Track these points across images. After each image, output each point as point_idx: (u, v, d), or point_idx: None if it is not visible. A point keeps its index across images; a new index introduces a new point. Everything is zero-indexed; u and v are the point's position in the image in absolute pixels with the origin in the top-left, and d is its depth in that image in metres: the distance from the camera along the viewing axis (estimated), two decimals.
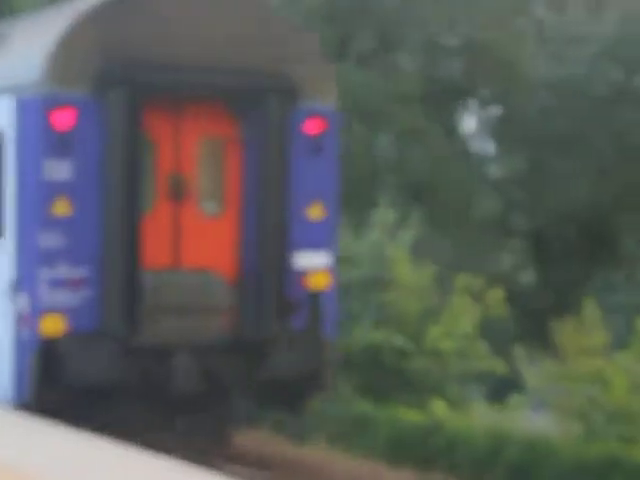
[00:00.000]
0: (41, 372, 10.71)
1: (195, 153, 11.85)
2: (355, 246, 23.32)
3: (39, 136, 10.99)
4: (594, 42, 34.55)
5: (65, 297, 10.98)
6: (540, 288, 36.41)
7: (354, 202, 28.55)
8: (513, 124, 36.46)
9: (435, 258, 24.90)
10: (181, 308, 11.39)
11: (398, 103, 31.84)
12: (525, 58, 34.15)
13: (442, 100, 34.94)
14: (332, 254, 12.36)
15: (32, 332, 10.85)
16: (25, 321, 10.97)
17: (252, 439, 14.50)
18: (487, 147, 40.01)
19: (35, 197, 11.00)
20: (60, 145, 10.95)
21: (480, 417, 20.67)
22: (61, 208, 11.01)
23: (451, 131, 36.69)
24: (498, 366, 22.36)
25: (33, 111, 11.06)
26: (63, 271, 10.99)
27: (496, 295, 23.66)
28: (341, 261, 22.84)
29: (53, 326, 10.88)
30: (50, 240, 10.94)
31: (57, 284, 10.94)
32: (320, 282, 12.17)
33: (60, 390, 10.86)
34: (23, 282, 11.02)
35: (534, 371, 20.84)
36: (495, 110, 38.99)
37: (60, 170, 10.96)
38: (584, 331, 19.59)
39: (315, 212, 12.19)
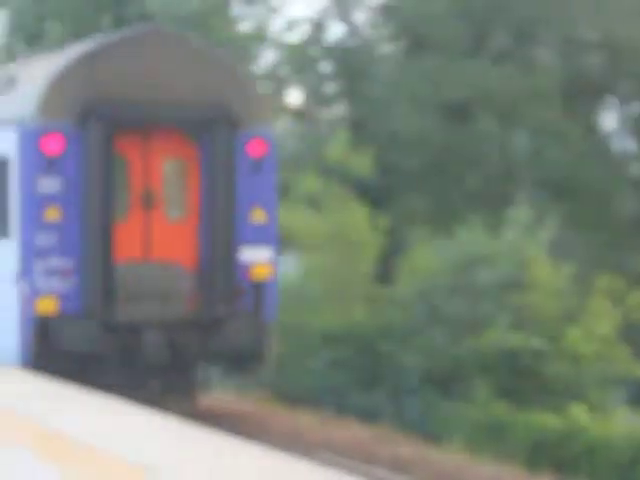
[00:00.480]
0: (38, 342, 13.79)
1: (161, 171, 14.90)
2: (490, 245, 22.96)
3: (34, 159, 14.17)
4: None
5: (56, 284, 14.06)
6: None
7: (487, 200, 28.12)
8: None
9: (573, 258, 24.31)
10: (150, 293, 14.41)
11: (535, 100, 31.27)
12: None
13: (581, 96, 34.16)
14: (272, 251, 15.17)
15: (31, 311, 13.91)
16: (26, 302, 13.98)
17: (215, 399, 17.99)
18: (628, 145, 38.96)
19: (31, 206, 14.18)
20: (50, 166, 14.13)
21: (621, 422, 20.12)
22: (52, 215, 14.14)
23: (590, 128, 35.83)
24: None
25: (29, 139, 14.20)
26: (54, 264, 14.06)
27: (637, 297, 23.01)
28: (475, 261, 22.48)
29: (47, 307, 13.99)
30: (44, 239, 14.07)
31: (50, 274, 14.04)
32: (262, 273, 15.02)
33: (53, 357, 13.76)
34: (24, 272, 14.10)
35: None
36: (636, 107, 37.96)
37: (51, 185, 14.14)
38: None
39: (257, 216, 15.07)
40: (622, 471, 16.95)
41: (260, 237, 15.06)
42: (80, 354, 13.90)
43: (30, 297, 13.88)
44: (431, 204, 29.98)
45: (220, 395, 19.25)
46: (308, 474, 6.61)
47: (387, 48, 33.70)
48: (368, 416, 20.00)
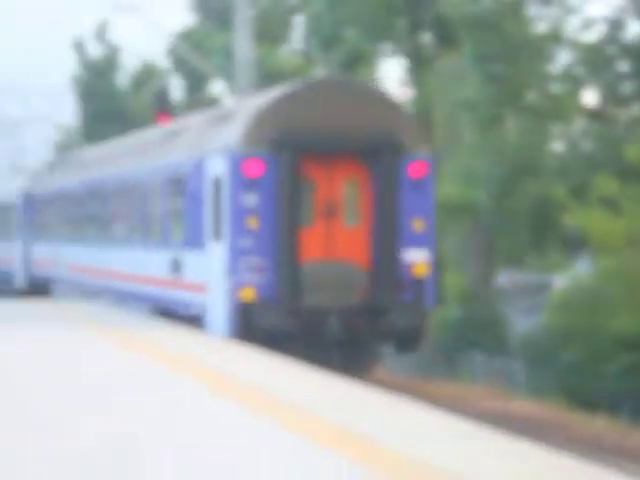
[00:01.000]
0: (241, 321, 17.28)
1: (340, 189, 18.13)
2: None
3: (238, 180, 17.56)
4: None
5: (255, 278, 17.44)
6: None
7: None
8: None
9: None
10: (330, 285, 17.62)
11: None
12: None
13: None
14: (429, 253, 18.23)
15: (236, 298, 17.37)
16: (232, 291, 17.41)
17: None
18: None
19: (237, 217, 17.55)
20: (251, 185, 17.53)
21: None
22: (252, 223, 17.54)
23: None
24: None
25: (235, 164, 17.60)
26: (253, 262, 17.44)
27: None
28: None
29: (248, 295, 17.40)
30: (246, 243, 17.48)
31: (250, 269, 17.44)
32: (421, 271, 18.16)
33: (252, 333, 17.02)
34: (231, 268, 17.51)
35: None
36: None
37: (251, 201, 17.50)
38: None
39: (417, 225, 18.20)
40: None
41: (419, 242, 18.24)
42: (272, 332, 17.17)
43: (235, 287, 17.42)
44: None
45: (521, 400, 21.02)
46: None
47: None
48: None
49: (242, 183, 17.50)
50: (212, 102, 53.46)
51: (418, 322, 17.89)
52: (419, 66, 33.26)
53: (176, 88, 54.51)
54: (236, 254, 17.50)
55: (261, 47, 38.43)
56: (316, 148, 17.96)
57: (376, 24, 32.56)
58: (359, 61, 34.02)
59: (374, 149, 18.03)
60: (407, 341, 18.19)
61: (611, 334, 23.13)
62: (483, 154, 30.00)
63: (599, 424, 17.68)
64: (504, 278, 39.86)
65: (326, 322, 17.31)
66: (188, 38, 46.13)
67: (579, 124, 32.56)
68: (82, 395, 9.70)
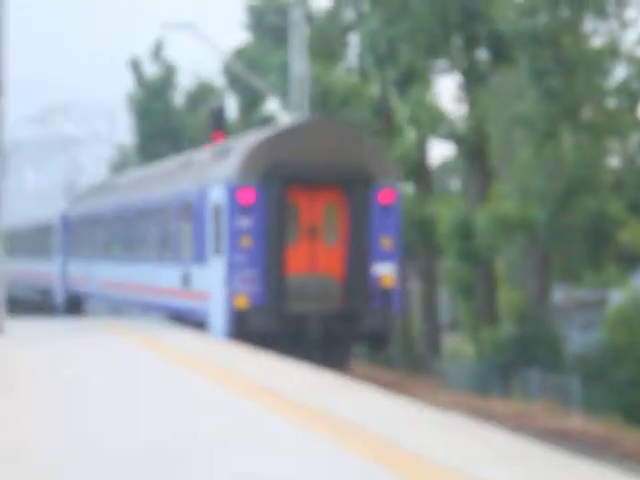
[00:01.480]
0: (236, 325, 20.16)
1: (321, 212, 21.04)
2: None
3: (234, 206, 20.62)
4: None
5: (247, 287, 20.33)
6: None
7: None
8: None
9: None
10: (311, 295, 20.61)
11: None
12: None
13: None
14: (395, 267, 21.21)
15: (232, 305, 20.27)
16: (229, 299, 20.26)
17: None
18: None
19: (232, 237, 20.58)
20: (244, 210, 20.55)
21: None
22: (245, 242, 20.51)
23: None
24: None
25: (231, 192, 20.64)
26: (246, 274, 20.40)
27: None
28: None
29: (242, 302, 20.26)
30: (240, 258, 20.44)
31: (243, 281, 20.36)
32: (388, 282, 21.07)
33: (246, 335, 19.86)
34: (228, 279, 20.43)
35: None
36: None
37: (245, 223, 20.52)
38: None
39: (385, 243, 21.15)
40: None
41: (387, 258, 21.16)
42: (262, 333, 20.11)
43: (231, 296, 20.34)
44: None
45: (577, 417, 22.00)
46: None
47: None
48: None
49: (237, 209, 20.68)
50: (267, 120, 53.84)
51: (386, 325, 21.01)
52: (473, 82, 33.27)
53: (231, 106, 54.92)
54: (232, 268, 20.58)
55: (316, 65, 38.67)
56: (300, 179, 20.99)
57: (431, 41, 32.64)
58: (413, 78, 34.11)
59: (349, 180, 21.14)
60: (377, 341, 21.44)
61: None
62: (539, 170, 29.91)
63: None
64: (560, 294, 39.63)
65: (308, 325, 20.47)
66: (243, 56, 46.57)
67: (635, 139, 32.34)
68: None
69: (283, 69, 39.29)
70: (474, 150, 33.32)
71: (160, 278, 25.51)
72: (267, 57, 42.79)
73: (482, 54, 33.67)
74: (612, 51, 30.29)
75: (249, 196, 20.64)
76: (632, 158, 32.96)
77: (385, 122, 39.58)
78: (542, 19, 29.89)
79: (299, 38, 35.77)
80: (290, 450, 7.59)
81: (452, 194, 47.40)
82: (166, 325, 21.75)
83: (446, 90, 74.28)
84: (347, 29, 43.25)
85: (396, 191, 21.39)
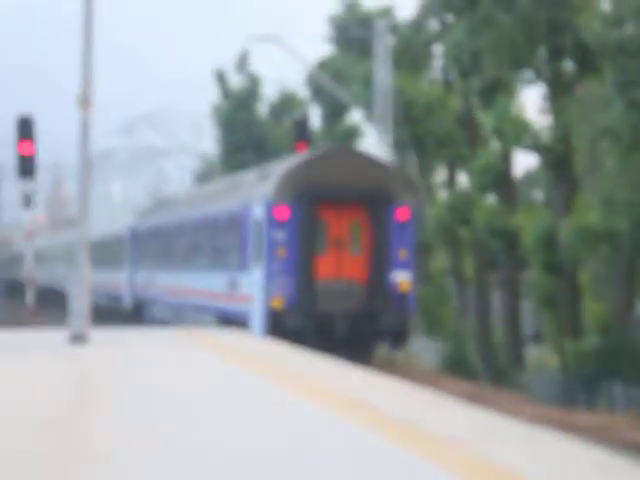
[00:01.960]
0: (272, 324, 23.13)
1: (347, 227, 24.24)
2: None
3: (271, 221, 23.64)
4: None
5: (282, 291, 23.36)
6: None
7: None
8: None
9: None
10: (339, 296, 23.65)
11: None
12: None
13: None
14: (410, 274, 24.18)
15: (269, 306, 23.34)
16: (266, 301, 23.37)
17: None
18: None
19: (270, 248, 23.59)
20: (280, 225, 23.55)
21: None
22: (281, 252, 23.52)
23: None
24: None
25: (269, 209, 23.70)
26: (282, 279, 23.44)
27: None
28: None
29: (277, 304, 23.33)
30: (277, 266, 23.49)
31: (279, 285, 23.40)
32: (404, 287, 24.04)
33: (281, 332, 22.30)
34: (266, 284, 23.53)
35: None
36: None
37: (280, 236, 23.52)
38: None
39: (402, 254, 24.15)
40: None
41: (403, 266, 24.17)
42: (295, 331, 22.70)
43: (268, 298, 23.38)
44: None
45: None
46: None
47: None
48: None
49: (274, 223, 23.67)
50: (350, 131, 54.09)
51: (403, 324, 24.13)
52: (559, 93, 33.10)
53: (314, 117, 55.29)
54: (269, 274, 23.60)
55: (400, 76, 38.80)
56: (328, 198, 23.97)
57: (516, 52, 32.56)
58: (498, 89, 34.06)
59: (371, 199, 24.15)
60: (395, 337, 24.29)
61: None
62: (624, 181, 29.66)
63: None
64: None
65: (335, 323, 23.43)
66: (327, 67, 46.88)
67: None
68: None
69: (367, 80, 39.48)
70: (559, 161, 33.13)
71: (211, 284, 28.80)
72: (351, 68, 43.02)
73: (567, 65, 33.47)
74: None
75: (284, 213, 23.64)
76: None
77: (469, 133, 39.54)
78: (628, 29, 29.63)
79: (383, 49, 35.95)
80: (382, 466, 7.76)
81: (536, 205, 47.10)
82: (245, 334, 22.04)
83: (530, 101, 73.81)
84: (431, 40, 43.32)
85: (412, 209, 24.53)
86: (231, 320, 26.02)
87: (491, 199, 38.76)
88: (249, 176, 28.60)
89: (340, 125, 54.20)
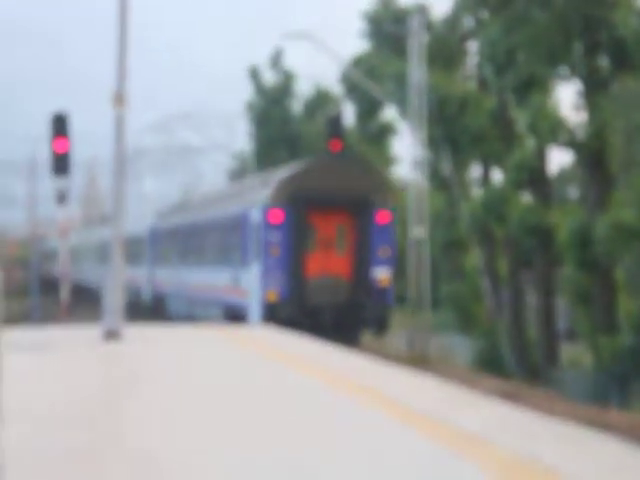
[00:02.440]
0: (268, 314, 25.79)
1: (333, 229, 27.15)
2: None
3: (266, 224, 26.49)
4: None
5: (276, 285, 26.20)
6: None
7: None
8: None
9: None
10: (327, 290, 26.55)
11: None
12: None
13: None
14: (390, 271, 27.13)
15: (265, 299, 26.16)
16: (262, 294, 26.15)
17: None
18: None
19: (266, 247, 26.43)
20: (275, 227, 26.41)
21: None
22: (275, 251, 26.33)
23: None
24: None
25: (264, 213, 26.58)
26: (276, 275, 26.22)
27: None
28: None
29: (272, 297, 26.14)
30: (271, 263, 26.34)
31: (273, 280, 26.20)
32: (384, 282, 26.97)
33: (275, 322, 24.22)
34: (262, 279, 26.31)
35: None
36: None
37: (275, 237, 26.37)
38: None
39: (383, 252, 27.08)
40: None
41: (384, 264, 27.10)
42: (287, 321, 25.00)
43: (264, 292, 26.21)
44: None
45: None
46: None
47: None
48: None
49: (269, 226, 26.54)
50: (384, 128, 54.04)
51: (383, 314, 27.02)
52: (594, 90, 32.91)
53: (348, 114, 55.29)
54: (265, 270, 26.43)
55: (434, 73, 38.72)
56: (317, 203, 26.83)
57: (551, 49, 32.41)
58: (533, 86, 33.91)
59: (355, 204, 27.09)
60: (376, 326, 27.14)
61: None
62: None
63: None
64: None
65: (323, 314, 26.30)
66: (361, 64, 46.85)
67: None
68: None
69: (401, 77, 39.43)
70: (594, 157, 32.95)
71: (218, 279, 31.77)
72: (385, 65, 42.98)
73: (603, 61, 33.28)
74: None
75: (278, 216, 26.51)
76: None
77: (503, 130, 39.40)
78: None
79: (418, 46, 35.88)
80: (417, 463, 7.78)
81: (570, 202, 46.85)
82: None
83: (565, 98, 73.47)
84: (466, 37, 43.19)
85: (391, 213, 27.45)
86: (234, 312, 28.85)
87: (526, 196, 38.60)
88: (251, 183, 32.36)
89: (374, 122, 54.19)
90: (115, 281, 18.74)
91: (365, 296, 26.67)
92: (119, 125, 19.11)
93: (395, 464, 7.41)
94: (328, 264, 26.88)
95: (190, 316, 35.05)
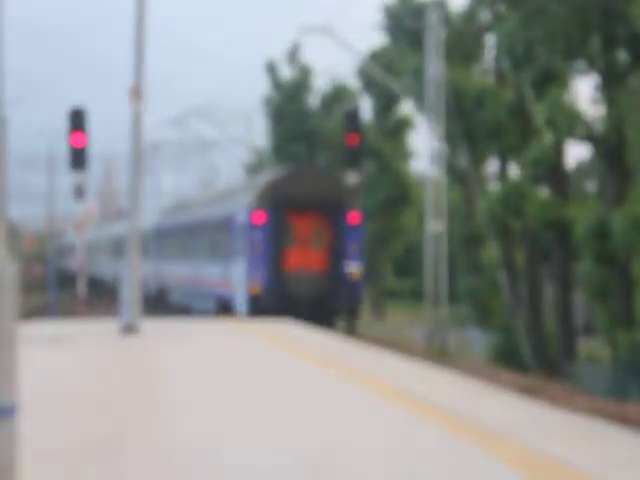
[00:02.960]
0: (252, 305, 28.75)
1: (311, 229, 29.93)
2: None
3: (251, 224, 29.46)
4: None
5: (260, 278, 29.04)
6: None
7: None
8: None
9: None
10: (304, 283, 29.32)
11: None
12: None
13: None
14: (360, 265, 30.07)
15: (249, 291, 29.02)
16: (248, 287, 29.06)
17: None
18: None
19: (251, 245, 29.48)
20: (259, 227, 29.37)
21: None
22: (258, 248, 29.21)
23: None
24: None
25: (249, 214, 29.62)
26: (259, 268, 29.08)
27: None
28: None
29: (256, 289, 28.98)
30: (255, 259, 29.20)
31: (257, 274, 29.07)
32: (355, 275, 29.82)
33: (259, 312, 27.86)
34: (247, 273, 29.23)
35: None
36: None
37: (258, 236, 29.39)
38: None
39: (353, 249, 29.98)
40: None
41: (355, 259, 30.02)
42: (270, 310, 27.74)
43: (249, 285, 29.17)
44: None
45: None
46: None
47: None
48: None
49: (253, 226, 29.59)
50: (402, 122, 54.02)
51: (354, 304, 30.10)
52: (612, 83, 32.83)
53: (365, 108, 55.28)
54: (250, 265, 29.44)
55: (451, 67, 38.67)
56: (296, 206, 29.88)
57: (569, 42, 32.31)
58: (551, 80, 33.83)
59: (329, 207, 30.18)
60: (348, 314, 30.23)
61: None
62: None
63: None
64: None
65: (301, 304, 28.92)
66: (378, 58, 46.84)
67: None
68: None
69: (419, 71, 39.40)
70: (611, 151, 32.86)
71: (210, 273, 35.16)
72: (402, 59, 42.95)
73: (621, 55, 33.17)
74: None
75: (261, 217, 29.57)
76: None
77: (521, 124, 39.34)
78: None
79: (435, 40, 35.86)
80: (437, 457, 7.82)
81: (588, 196, 46.73)
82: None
83: (583, 91, 73.26)
84: (483, 30, 43.12)
85: (360, 215, 30.64)
86: (224, 302, 32.21)
87: (543, 191, 38.53)
88: (240, 185, 37.26)
89: (391, 117, 54.16)
90: (132, 275, 18.83)
91: (338, 288, 29.66)
92: (136, 120, 19.18)
93: (417, 454, 7.46)
94: (305, 260, 29.77)
95: (188, 306, 38.92)
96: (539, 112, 34.48)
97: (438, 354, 30.35)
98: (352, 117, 29.11)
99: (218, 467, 6.99)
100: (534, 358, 37.42)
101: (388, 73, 42.21)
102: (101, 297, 59.18)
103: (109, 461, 7.14)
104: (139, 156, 19.24)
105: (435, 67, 35.62)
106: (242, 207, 30.86)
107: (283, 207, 29.68)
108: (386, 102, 53.20)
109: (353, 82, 58.12)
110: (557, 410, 10.00)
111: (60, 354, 14.78)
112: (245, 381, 11.69)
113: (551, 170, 36.79)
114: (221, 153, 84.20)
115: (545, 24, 32.54)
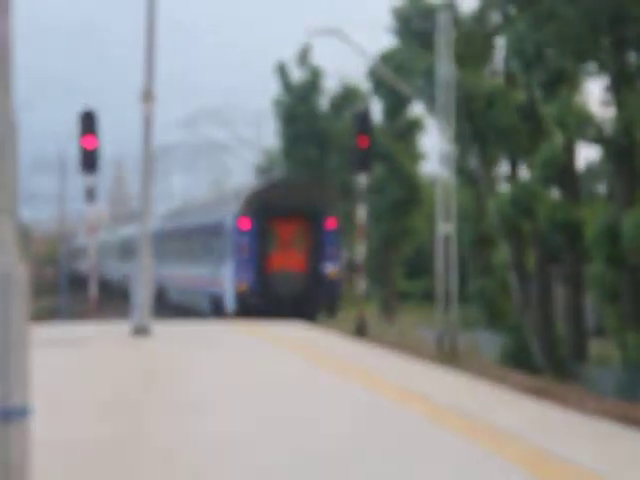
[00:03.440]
0: (240, 303, 31.79)
1: (292, 233, 32.67)
2: None
3: (236, 230, 32.47)
4: None
5: (246, 278, 31.88)
6: None
7: None
8: None
9: None
10: (287, 282, 32.20)
11: None
12: None
13: None
14: (337, 266, 33.10)
15: (236, 290, 31.95)
16: (235, 286, 31.94)
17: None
18: None
19: (237, 248, 32.33)
20: (244, 232, 32.30)
21: None
22: (244, 251, 32.11)
23: None
24: None
25: (235, 220, 32.62)
26: (246, 270, 31.93)
27: None
28: None
29: (243, 288, 31.82)
30: (242, 261, 32.10)
31: (244, 275, 31.93)
32: (333, 275, 32.61)
33: (246, 309, 31.15)
34: (235, 273, 32.11)
35: None
36: None
37: (244, 240, 32.23)
38: None
39: (331, 251, 32.80)
40: None
41: (332, 260, 32.77)
42: (255, 308, 30.93)
43: (237, 284, 31.79)
44: None
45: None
46: None
47: None
48: None
49: (239, 231, 32.33)
50: (412, 124, 54.02)
51: (332, 301, 32.58)
52: (622, 85, 32.81)
53: (376, 110, 55.27)
54: (237, 266, 32.17)
55: (462, 69, 38.68)
56: (278, 212, 32.55)
57: (580, 44, 32.30)
58: (561, 81, 33.83)
59: (309, 214, 32.79)
60: (327, 310, 32.57)
61: None
62: None
63: None
64: None
65: (284, 302, 31.57)
66: (388, 60, 46.84)
67: None
68: None
69: (429, 73, 39.42)
70: (622, 153, 32.84)
71: (202, 273, 38.14)
72: (413, 61, 42.97)
73: (631, 57, 33.14)
74: None
75: (247, 223, 32.33)
76: None
77: (531, 126, 39.32)
78: None
79: (445, 42, 35.89)
80: (445, 458, 7.86)
81: (599, 198, 46.68)
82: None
83: (593, 93, 73.13)
84: (493, 32, 43.11)
85: (337, 220, 33.36)
86: (215, 299, 35.21)
87: (554, 192, 38.50)
88: (229, 193, 39.94)
89: (401, 118, 54.16)
90: (143, 277, 18.90)
91: (318, 286, 32.44)
92: (147, 123, 19.26)
93: (430, 457, 7.50)
94: (287, 261, 32.60)
95: (184, 304, 42.22)
96: (549, 113, 34.48)
97: (448, 356, 30.33)
98: (362, 119, 29.10)
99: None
100: (544, 359, 37.40)
101: (399, 75, 42.24)
102: (113, 299, 59.39)
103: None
104: (150, 158, 19.32)
105: (445, 69, 35.64)
106: (230, 214, 33.68)
107: (266, 214, 32.45)
108: (396, 104, 53.19)
109: (363, 84, 58.14)
110: (569, 412, 10.02)
111: (73, 355, 14.82)
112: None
113: (561, 172, 36.77)
114: (232, 155, 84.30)
115: (555, 26, 32.55)
